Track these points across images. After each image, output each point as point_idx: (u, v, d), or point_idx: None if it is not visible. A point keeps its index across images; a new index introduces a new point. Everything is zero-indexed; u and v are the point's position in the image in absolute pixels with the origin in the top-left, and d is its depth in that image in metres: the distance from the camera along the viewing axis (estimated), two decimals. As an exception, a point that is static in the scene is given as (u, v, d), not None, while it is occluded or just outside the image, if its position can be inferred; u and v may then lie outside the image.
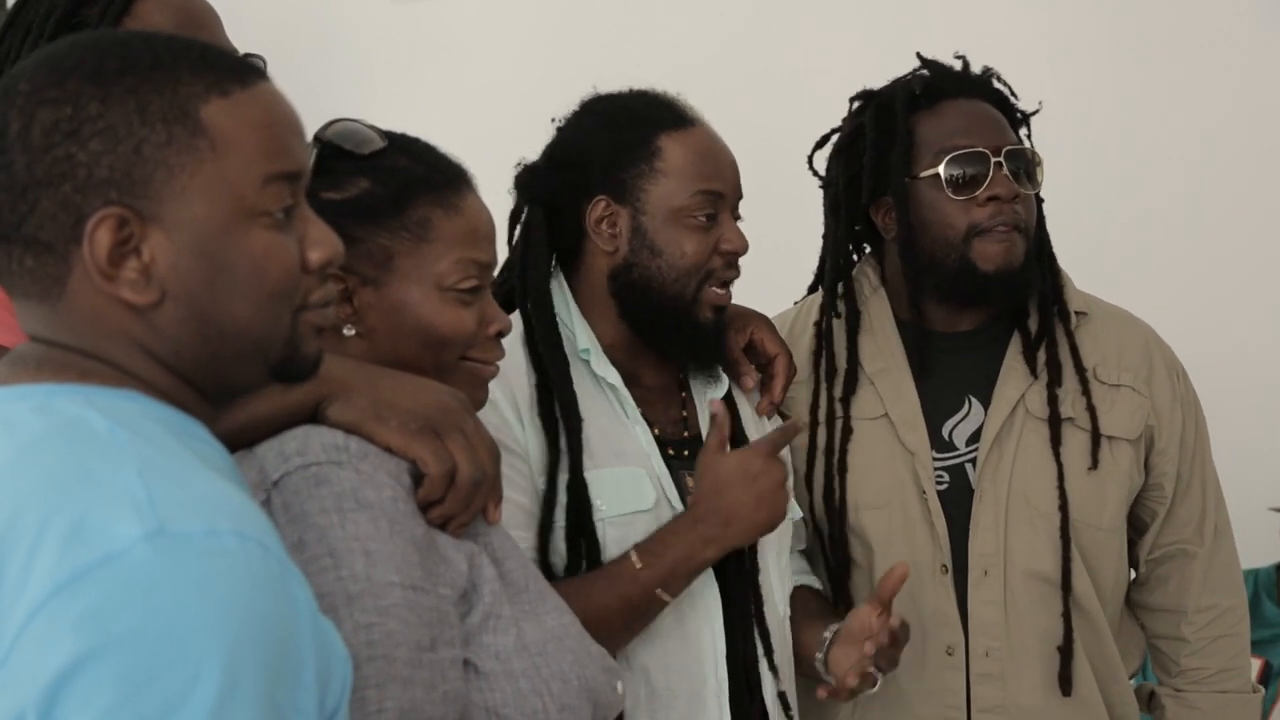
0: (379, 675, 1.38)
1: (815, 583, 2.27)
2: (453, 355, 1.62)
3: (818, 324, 2.31)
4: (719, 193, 2.01)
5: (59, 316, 1.17)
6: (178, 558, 1.04)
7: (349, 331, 1.58)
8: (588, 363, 2.01)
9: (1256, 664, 3.32)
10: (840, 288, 2.32)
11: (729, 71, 4.03)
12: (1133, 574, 2.38)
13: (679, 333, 2.02)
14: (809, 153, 2.37)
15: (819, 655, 2.06)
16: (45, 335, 1.19)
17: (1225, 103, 3.74)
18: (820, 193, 2.39)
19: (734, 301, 2.22)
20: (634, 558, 1.90)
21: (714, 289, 2.02)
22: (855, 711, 2.24)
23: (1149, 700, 2.36)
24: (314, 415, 1.50)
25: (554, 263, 2.07)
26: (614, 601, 1.87)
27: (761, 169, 3.84)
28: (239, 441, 1.45)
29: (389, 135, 1.63)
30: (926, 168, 2.22)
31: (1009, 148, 2.22)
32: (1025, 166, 2.23)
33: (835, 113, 2.38)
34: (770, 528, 1.96)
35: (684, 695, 1.95)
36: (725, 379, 2.11)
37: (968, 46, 2.38)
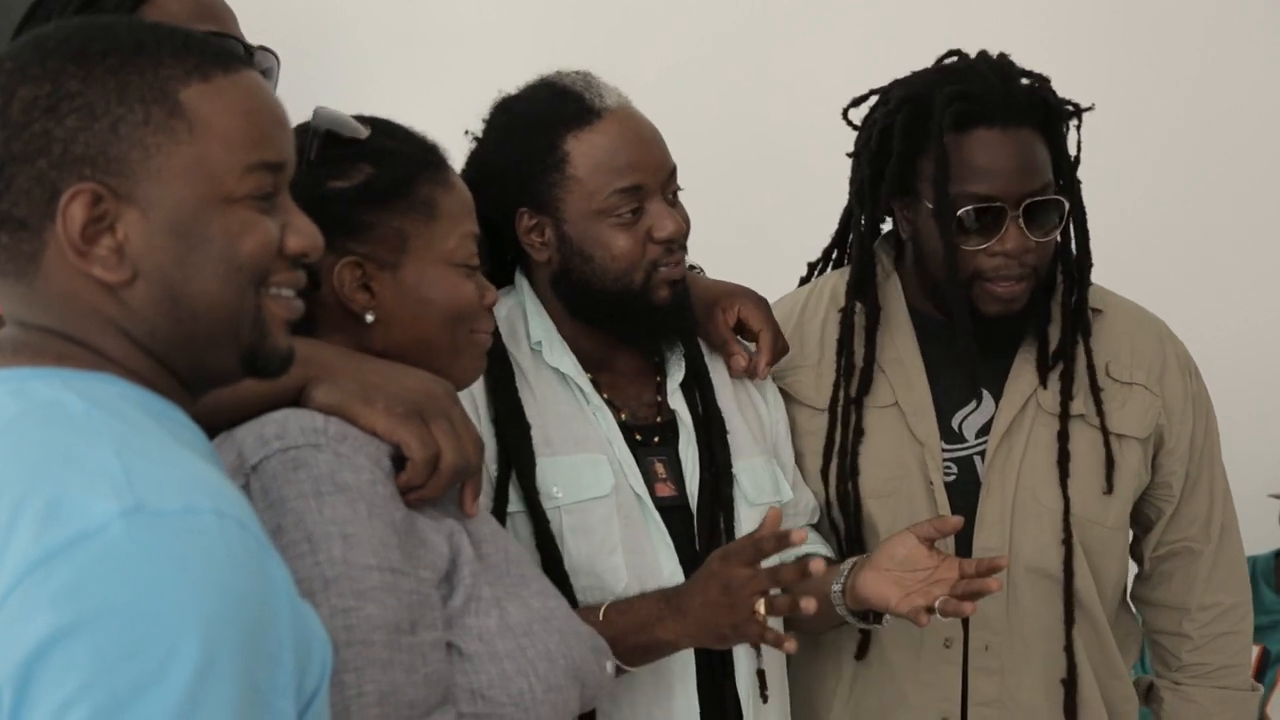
0: (357, 659, 1.38)
1: (826, 552, 2.21)
2: (465, 329, 1.63)
3: (842, 311, 2.26)
4: (637, 185, 1.93)
5: (35, 295, 1.18)
6: (155, 535, 1.03)
7: (370, 318, 1.58)
8: (542, 353, 1.99)
9: (1254, 650, 3.31)
10: (863, 278, 2.27)
11: (729, 65, 4.02)
12: (1135, 569, 2.37)
13: (636, 321, 1.98)
14: (845, 107, 2.28)
15: (835, 587, 1.97)
16: (22, 316, 1.19)
17: (1227, 91, 3.73)
18: (820, 191, 2.37)
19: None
20: (602, 609, 1.86)
21: (666, 269, 1.96)
22: (850, 697, 2.23)
23: (1147, 693, 2.35)
24: (299, 397, 1.49)
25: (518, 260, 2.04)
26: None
27: (761, 164, 3.84)
28: (222, 423, 1.45)
29: (367, 120, 1.63)
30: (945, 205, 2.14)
31: (1030, 201, 2.13)
32: (1048, 215, 2.16)
33: (835, 109, 2.36)
34: (724, 640, 1.83)
35: (648, 679, 1.92)
36: (682, 364, 2.06)
37: (967, 41, 2.35)
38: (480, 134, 2.03)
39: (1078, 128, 2.26)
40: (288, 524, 1.40)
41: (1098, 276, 2.36)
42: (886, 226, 2.35)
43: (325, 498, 1.41)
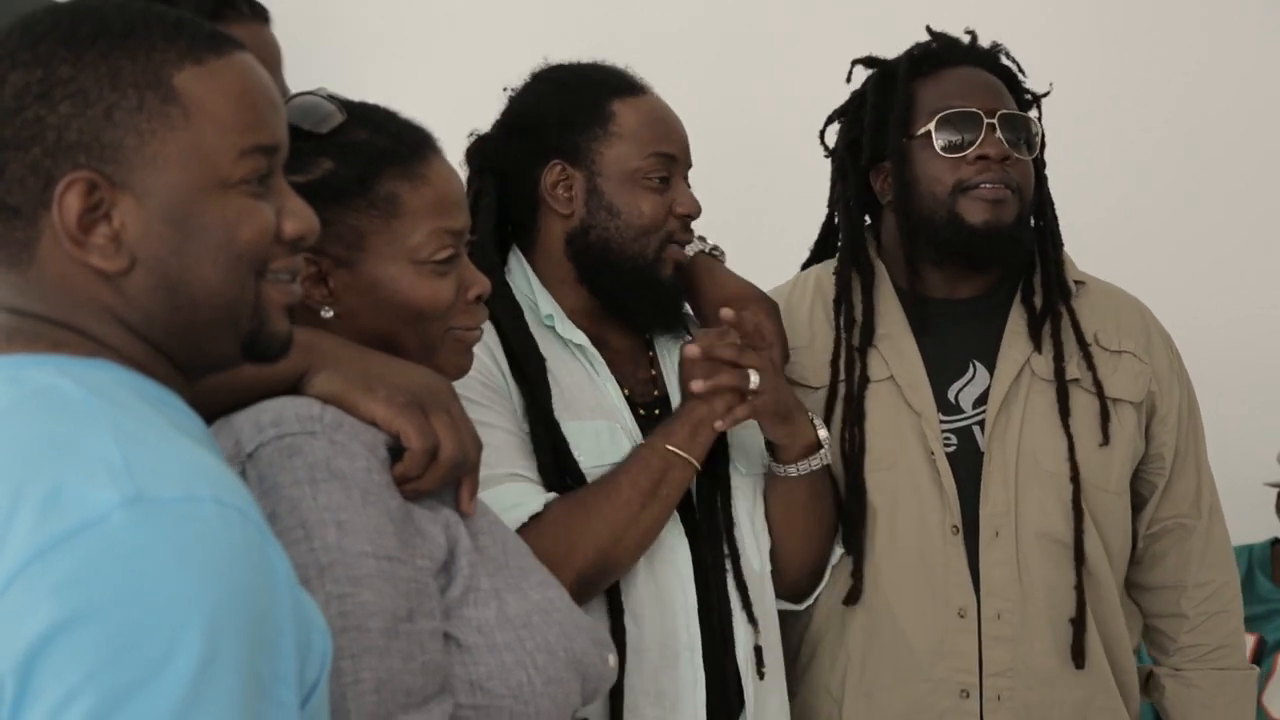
0: (354, 646, 1.36)
1: None
2: (436, 328, 1.59)
3: (837, 273, 2.31)
4: (672, 155, 2.04)
5: (29, 284, 1.16)
6: (156, 524, 1.02)
7: (327, 313, 1.56)
8: (554, 328, 2.03)
9: (1250, 640, 3.32)
10: (853, 248, 2.32)
11: (720, 51, 4.02)
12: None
13: (641, 292, 2.04)
14: (820, 128, 2.38)
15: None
16: (16, 304, 1.18)
17: (1223, 85, 3.72)
18: (809, 174, 2.39)
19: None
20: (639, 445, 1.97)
21: (675, 247, 2.05)
22: (864, 673, 2.22)
23: (1146, 682, 2.35)
24: (298, 385, 1.47)
25: (510, 236, 2.09)
26: (638, 480, 1.92)
27: (755, 151, 3.83)
28: (220, 409, 1.44)
29: (349, 106, 1.60)
30: (920, 127, 2.23)
31: (1004, 111, 2.23)
32: (1021, 132, 2.24)
33: (830, 97, 2.37)
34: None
35: (655, 649, 1.94)
36: (684, 339, 2.11)
37: (954, 21, 2.37)
38: (519, 89, 2.10)
39: (1038, 118, 2.32)
40: (282, 511, 1.39)
41: (1095, 268, 2.36)
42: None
43: (320, 484, 1.40)
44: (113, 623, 0.99)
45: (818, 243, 2.42)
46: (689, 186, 2.08)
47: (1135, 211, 3.72)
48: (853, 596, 2.20)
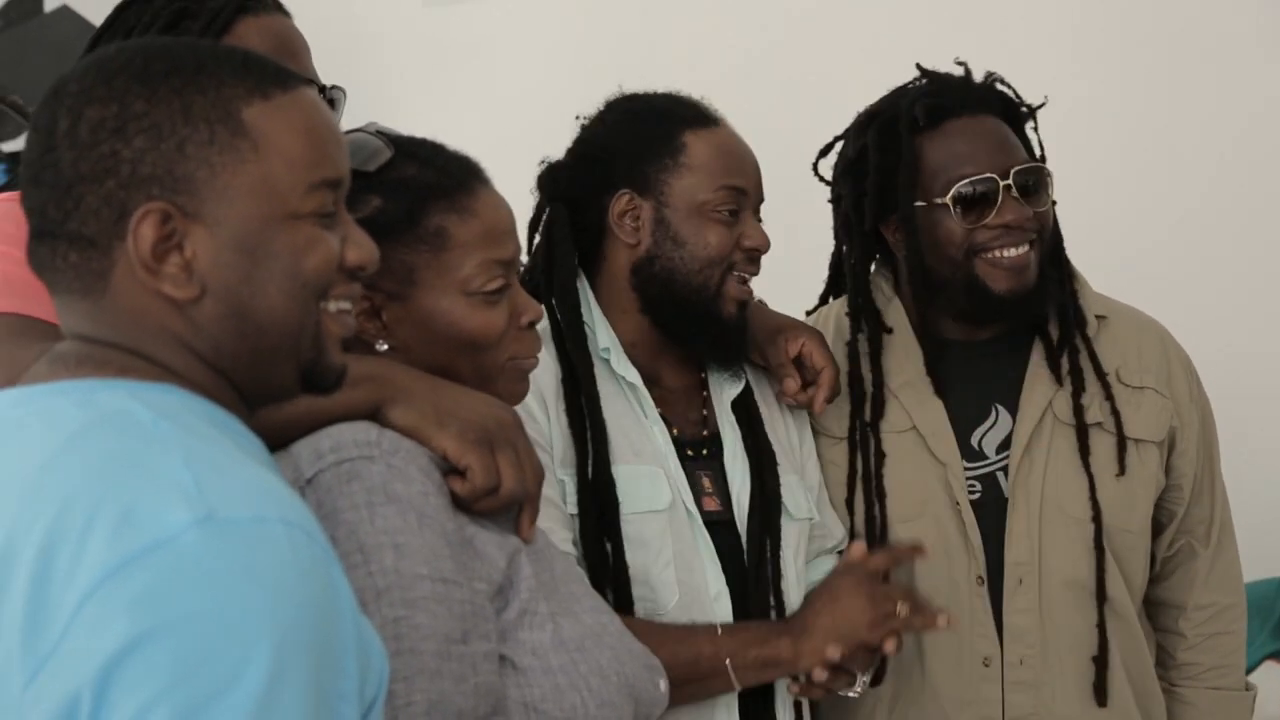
0: (407, 668, 1.39)
1: None
2: (491, 358, 1.62)
3: (849, 344, 2.28)
4: (742, 189, 2.03)
5: (102, 312, 1.20)
6: (227, 543, 1.05)
7: (382, 347, 1.58)
8: (608, 361, 2.02)
9: (1280, 669, 3.31)
10: (861, 305, 2.29)
11: (756, 77, 4.04)
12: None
13: (701, 326, 2.04)
14: (814, 160, 2.36)
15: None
16: (86, 332, 1.21)
17: (1239, 105, 3.73)
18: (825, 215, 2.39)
19: (769, 305, 2.23)
20: (718, 626, 1.92)
21: (736, 283, 2.04)
22: (892, 717, 2.23)
23: None
24: (374, 416, 1.51)
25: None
26: (681, 656, 1.84)
27: (788, 175, 3.83)
28: (296, 438, 1.48)
29: (396, 141, 1.63)
30: (936, 195, 2.19)
31: (1017, 168, 2.19)
32: (1034, 178, 2.20)
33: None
34: (854, 635, 1.93)
35: (689, 706, 1.92)
36: (744, 377, 2.12)
37: (991, 50, 2.37)
38: (592, 118, 2.10)
39: (1035, 129, 2.30)
40: (341, 535, 1.42)
41: (1110, 290, 2.37)
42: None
43: (377, 508, 1.43)
44: (186, 639, 1.02)
45: (829, 282, 2.41)
46: (760, 221, 2.07)
47: (1158, 237, 3.72)
48: (876, 678, 2.18)
